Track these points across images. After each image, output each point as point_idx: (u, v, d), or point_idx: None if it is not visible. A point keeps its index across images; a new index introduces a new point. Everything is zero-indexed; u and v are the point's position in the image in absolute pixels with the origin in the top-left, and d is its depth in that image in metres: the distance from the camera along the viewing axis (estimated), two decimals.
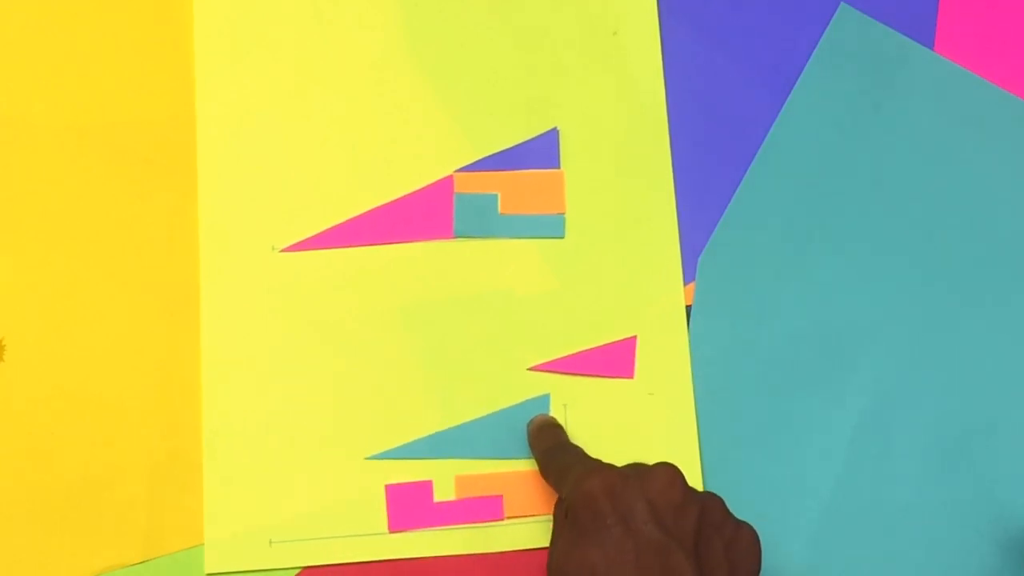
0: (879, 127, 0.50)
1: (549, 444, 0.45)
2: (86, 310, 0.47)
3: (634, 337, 0.48)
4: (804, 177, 0.50)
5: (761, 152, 0.50)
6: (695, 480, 0.47)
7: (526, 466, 0.46)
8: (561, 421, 0.47)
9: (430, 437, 0.46)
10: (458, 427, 0.47)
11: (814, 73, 0.51)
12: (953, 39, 0.51)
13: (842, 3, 0.51)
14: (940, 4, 0.52)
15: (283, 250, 0.48)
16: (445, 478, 0.46)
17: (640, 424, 0.47)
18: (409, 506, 0.46)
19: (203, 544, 0.45)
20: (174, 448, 0.46)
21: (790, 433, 0.48)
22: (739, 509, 0.47)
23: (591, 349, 0.48)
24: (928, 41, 0.51)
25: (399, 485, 0.46)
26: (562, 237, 0.49)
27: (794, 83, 0.51)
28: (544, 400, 0.47)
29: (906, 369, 0.48)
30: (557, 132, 0.49)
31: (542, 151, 0.49)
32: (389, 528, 0.46)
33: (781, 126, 0.50)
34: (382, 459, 0.46)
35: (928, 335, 0.49)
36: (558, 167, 0.49)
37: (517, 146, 0.49)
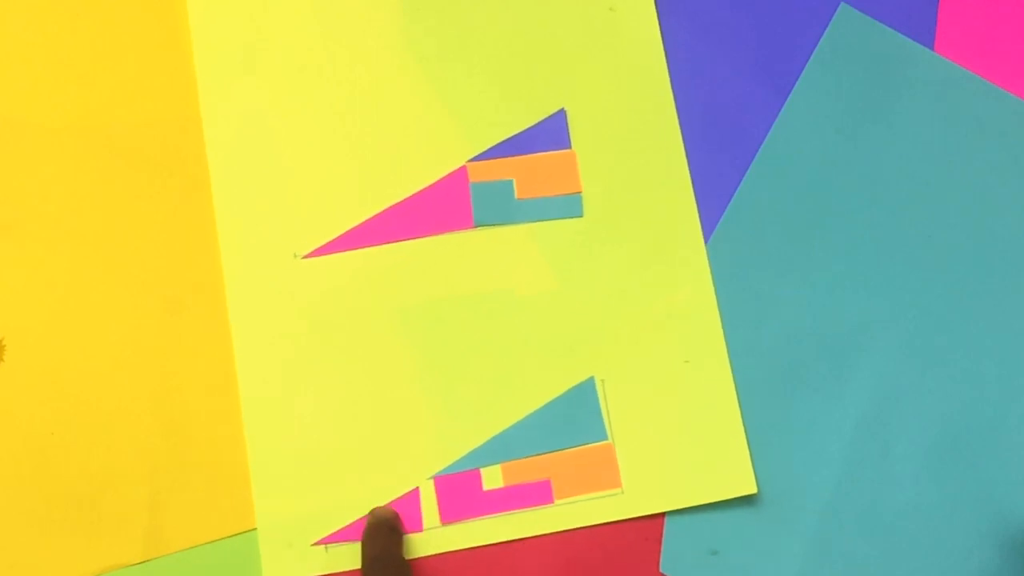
0: (879, 127, 0.50)
1: (378, 552, 0.44)
2: (86, 311, 0.47)
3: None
4: (804, 177, 0.50)
5: (761, 152, 0.50)
6: (739, 442, 0.47)
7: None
8: (600, 397, 0.47)
9: (478, 450, 0.46)
10: (506, 431, 0.47)
11: (814, 73, 0.51)
12: (953, 39, 0.51)
13: (842, 3, 0.51)
14: (940, 4, 0.52)
15: (305, 256, 0.48)
16: (492, 467, 0.46)
17: (678, 392, 0.47)
18: (459, 497, 0.46)
19: (202, 544, 0.45)
20: (174, 448, 0.46)
21: (790, 433, 0.48)
22: (739, 509, 0.47)
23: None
24: (928, 41, 0.51)
25: (446, 477, 0.46)
26: (581, 216, 0.49)
27: (794, 83, 0.51)
28: (589, 384, 0.47)
29: (906, 369, 0.48)
30: (565, 113, 0.49)
31: (552, 133, 0.49)
32: (441, 520, 0.46)
33: (781, 126, 0.50)
34: (437, 476, 0.46)
35: (928, 335, 0.49)
36: (569, 147, 0.49)
37: (527, 130, 0.49)
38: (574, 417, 0.47)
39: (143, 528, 0.45)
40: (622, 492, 0.46)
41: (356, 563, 0.45)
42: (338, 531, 0.46)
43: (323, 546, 0.46)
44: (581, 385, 0.47)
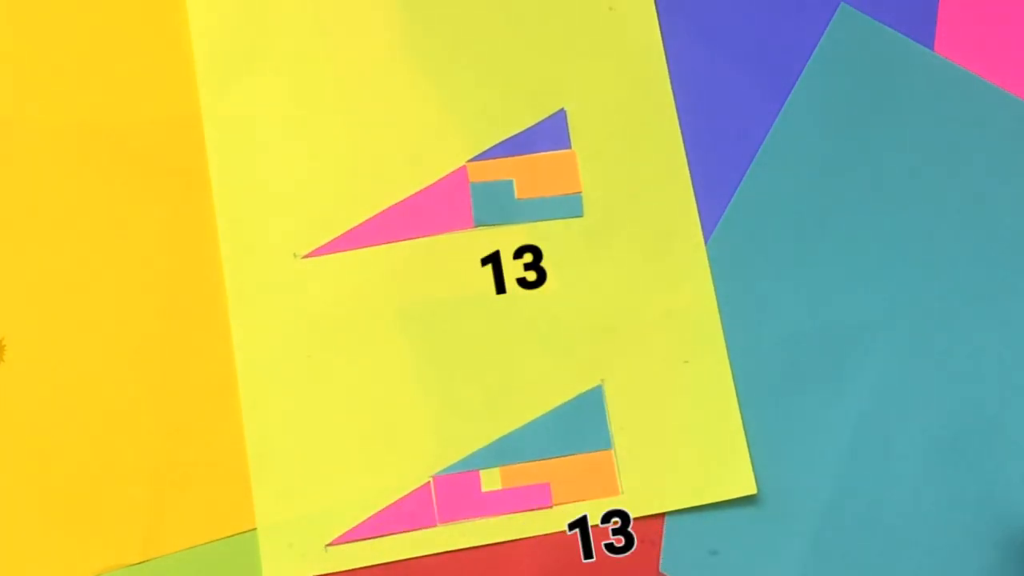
0: (879, 127, 0.50)
1: None
2: (86, 311, 0.47)
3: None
4: (804, 177, 0.50)
5: (760, 153, 0.50)
6: (739, 442, 0.47)
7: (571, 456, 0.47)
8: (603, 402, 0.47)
9: (479, 452, 0.46)
10: (508, 435, 0.47)
11: (814, 73, 0.51)
12: (953, 39, 0.51)
13: (842, 3, 0.51)
14: (940, 4, 0.52)
15: (305, 256, 0.48)
16: (491, 469, 0.46)
17: (678, 392, 0.47)
18: (457, 497, 0.46)
19: (202, 544, 0.45)
20: (174, 448, 0.46)
21: (790, 433, 0.48)
22: (739, 509, 0.47)
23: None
24: (928, 41, 0.51)
25: (445, 476, 0.46)
26: (581, 216, 0.49)
27: (794, 83, 0.51)
28: (596, 392, 0.47)
29: (906, 369, 0.48)
30: (565, 113, 0.49)
31: (552, 133, 0.49)
32: (438, 520, 0.46)
33: (781, 126, 0.50)
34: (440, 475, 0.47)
35: (928, 335, 0.49)
36: (569, 147, 0.49)
37: (526, 130, 0.49)
38: (579, 425, 0.47)
39: (143, 528, 0.45)
40: (621, 497, 0.47)
41: (356, 563, 0.45)
42: (347, 532, 0.46)
43: (324, 546, 0.46)
44: (588, 393, 0.47)
